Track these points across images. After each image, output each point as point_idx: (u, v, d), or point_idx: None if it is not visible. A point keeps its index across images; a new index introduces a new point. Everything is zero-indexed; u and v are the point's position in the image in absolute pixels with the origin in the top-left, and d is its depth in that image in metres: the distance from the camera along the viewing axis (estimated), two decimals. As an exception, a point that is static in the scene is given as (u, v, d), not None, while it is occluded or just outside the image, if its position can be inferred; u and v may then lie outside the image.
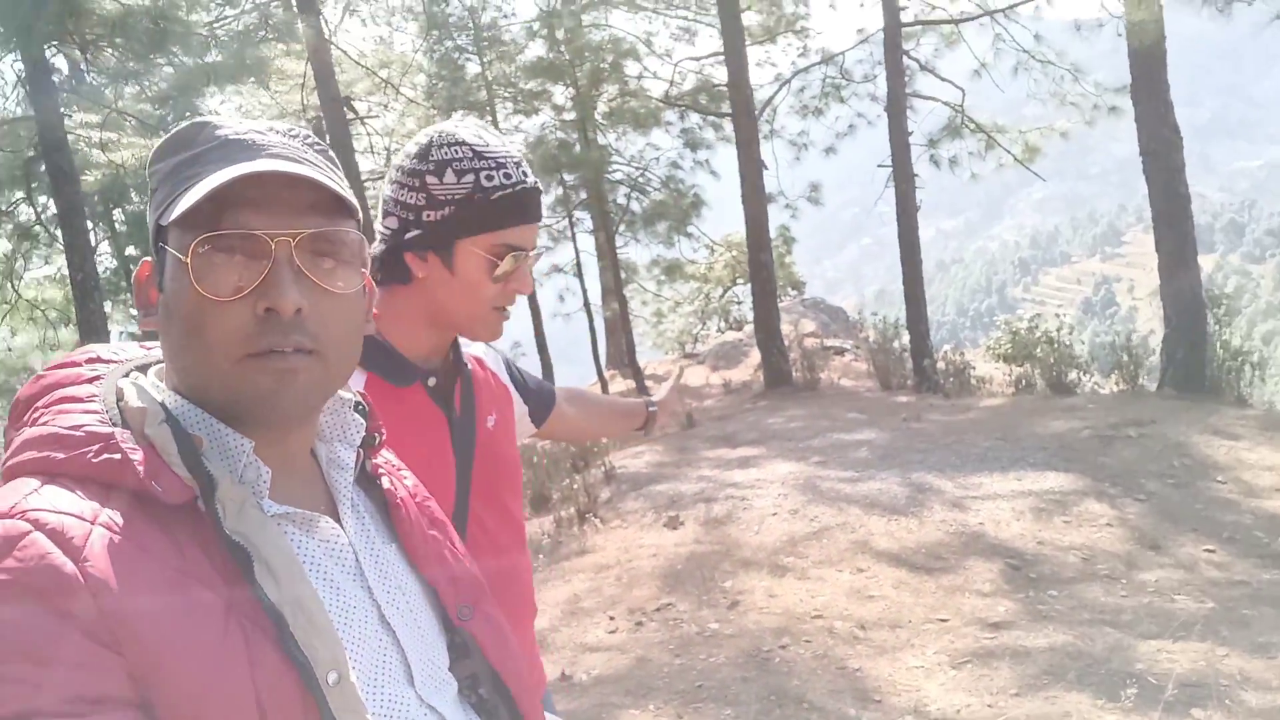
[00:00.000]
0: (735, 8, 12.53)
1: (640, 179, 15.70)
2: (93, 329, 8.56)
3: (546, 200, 15.44)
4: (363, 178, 14.44)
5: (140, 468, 0.77)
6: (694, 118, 15.75)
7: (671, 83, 15.66)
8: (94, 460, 0.77)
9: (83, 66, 9.39)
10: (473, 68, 15.66)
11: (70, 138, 9.65)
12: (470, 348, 1.65)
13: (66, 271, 9.45)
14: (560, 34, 14.04)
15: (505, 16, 16.14)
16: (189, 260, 0.81)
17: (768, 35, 15.99)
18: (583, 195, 15.26)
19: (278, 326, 0.81)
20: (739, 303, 22.30)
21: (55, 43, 8.14)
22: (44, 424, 0.81)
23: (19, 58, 8.16)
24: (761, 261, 12.43)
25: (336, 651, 0.80)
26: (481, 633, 1.01)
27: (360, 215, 0.93)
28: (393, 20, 17.29)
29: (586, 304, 15.65)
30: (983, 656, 4.16)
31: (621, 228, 15.58)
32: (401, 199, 1.42)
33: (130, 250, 14.06)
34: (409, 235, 1.42)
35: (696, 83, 15.58)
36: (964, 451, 7.29)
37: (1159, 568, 4.97)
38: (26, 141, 9.45)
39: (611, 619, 5.12)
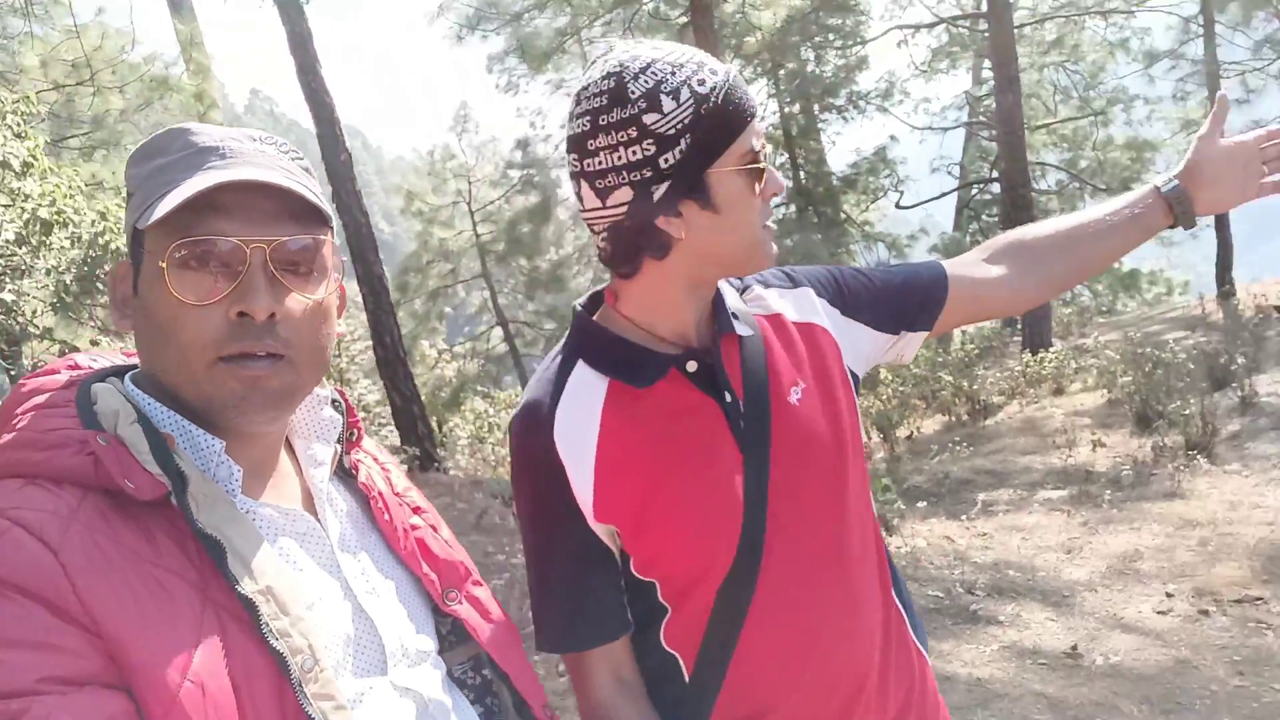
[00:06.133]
0: None
1: None
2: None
3: (1253, 36, 12.28)
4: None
5: (113, 466, 0.80)
6: None
7: None
8: (69, 461, 0.81)
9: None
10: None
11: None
12: (761, 303, 1.31)
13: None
14: None
15: None
16: (165, 265, 0.84)
17: None
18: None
19: (250, 330, 0.85)
20: None
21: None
22: (21, 429, 0.84)
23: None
24: None
25: (311, 639, 0.82)
26: (468, 616, 1.03)
27: (333, 222, 0.95)
28: None
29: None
30: None
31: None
32: (622, 162, 1.12)
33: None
34: (657, 196, 1.12)
35: None
36: None
37: None
38: (681, 10, 10.29)
39: (1169, 596, 4.05)
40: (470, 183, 17.65)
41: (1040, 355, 9.08)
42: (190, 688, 0.74)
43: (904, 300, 1.37)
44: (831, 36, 15.74)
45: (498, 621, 1.07)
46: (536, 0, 10.74)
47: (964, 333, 20.46)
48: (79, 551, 0.75)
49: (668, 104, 1.09)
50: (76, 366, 0.95)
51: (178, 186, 0.84)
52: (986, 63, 17.45)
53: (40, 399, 0.88)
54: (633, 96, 1.09)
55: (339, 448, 1.05)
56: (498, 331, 18.16)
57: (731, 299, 1.26)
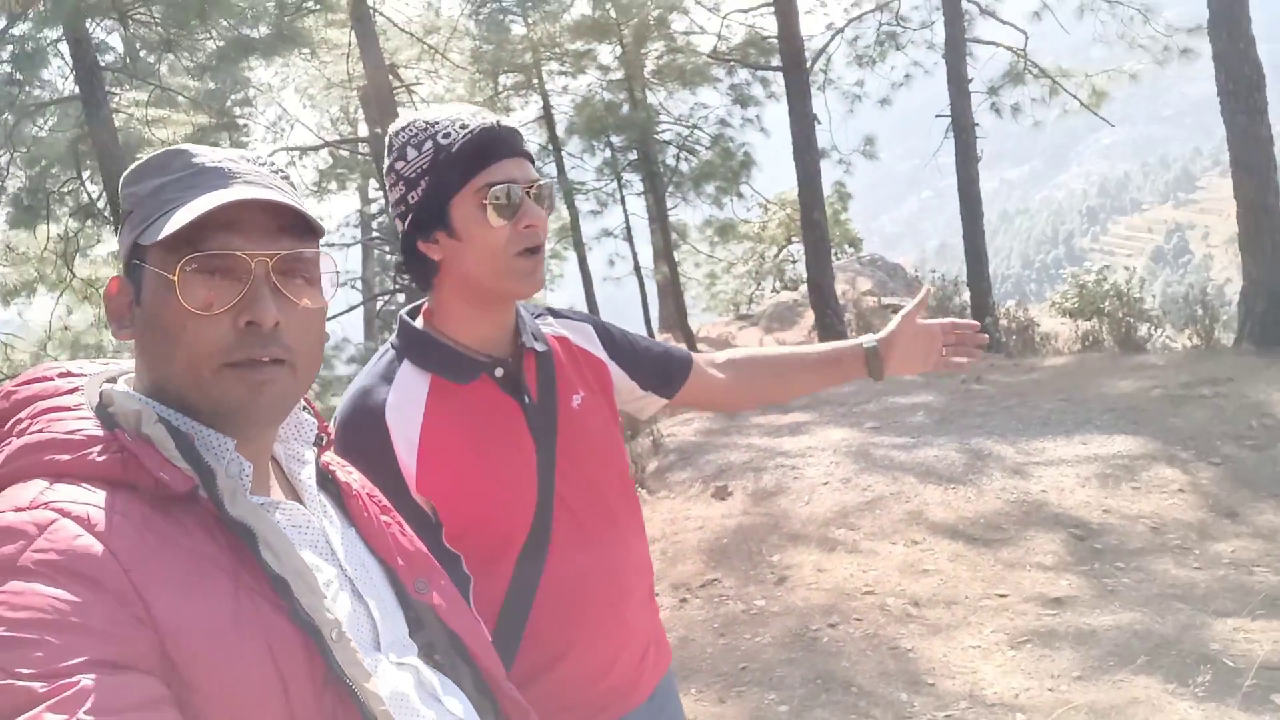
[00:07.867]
0: (783, -45, 12.07)
1: (689, 139, 15.34)
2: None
3: (593, 162, 15.25)
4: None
5: (147, 461, 0.84)
6: (743, 73, 15.30)
7: (720, 36, 15.19)
8: (99, 459, 0.84)
9: (123, 40, 9.38)
10: (518, 29, 15.40)
11: (119, 116, 9.70)
12: (552, 327, 1.61)
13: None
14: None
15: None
16: (176, 278, 0.88)
17: (819, -17, 15.45)
18: (631, 157, 14.97)
19: (257, 338, 0.90)
20: (794, 262, 21.89)
21: (97, 17, 8.11)
22: (38, 432, 0.86)
23: (63, 36, 8.15)
24: (814, 220, 12.10)
25: (336, 613, 0.89)
26: (439, 603, 1.10)
27: (324, 234, 1.01)
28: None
29: (637, 267, 15.44)
30: (1044, 636, 3.95)
31: (671, 189, 15.28)
32: (393, 200, 1.44)
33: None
34: (409, 226, 1.42)
35: (746, 36, 15.07)
36: (1026, 414, 6.99)
37: (1236, 537, 4.67)
38: (75, 121, 9.52)
39: (656, 596, 4.99)
40: None
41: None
42: (233, 659, 0.80)
43: (656, 366, 1.72)
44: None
45: (462, 609, 1.16)
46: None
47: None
48: (125, 540, 0.78)
49: (411, 153, 1.39)
50: (69, 374, 0.96)
51: (186, 204, 0.89)
52: (373, 182, 18.73)
53: (45, 404, 0.89)
54: (391, 149, 1.42)
55: (315, 449, 1.10)
56: None
57: (530, 322, 1.55)
